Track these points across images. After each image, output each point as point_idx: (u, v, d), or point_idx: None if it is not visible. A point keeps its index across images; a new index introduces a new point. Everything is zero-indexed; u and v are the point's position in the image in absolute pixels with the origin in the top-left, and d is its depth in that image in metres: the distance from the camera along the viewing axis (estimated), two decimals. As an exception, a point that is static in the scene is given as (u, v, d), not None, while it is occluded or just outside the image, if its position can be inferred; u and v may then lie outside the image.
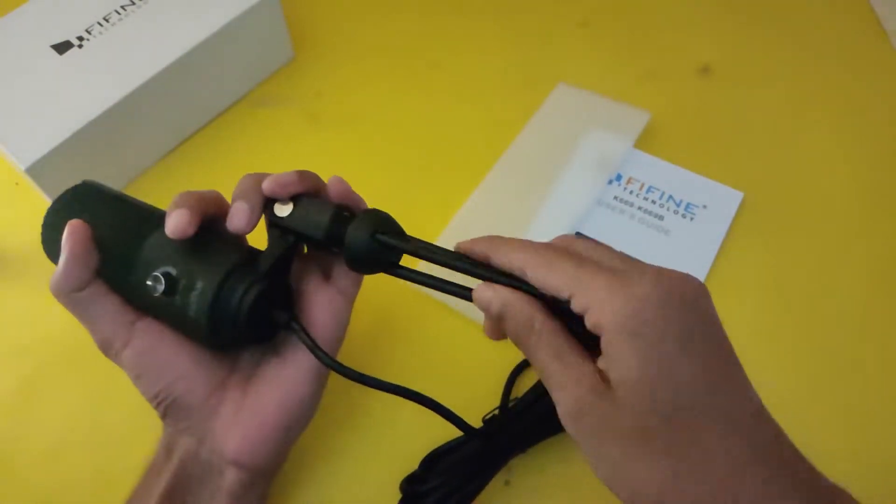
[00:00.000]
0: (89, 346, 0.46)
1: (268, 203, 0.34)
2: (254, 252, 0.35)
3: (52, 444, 0.43)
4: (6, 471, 0.42)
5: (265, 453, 0.34)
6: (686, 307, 0.26)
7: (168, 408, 0.34)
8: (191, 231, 0.32)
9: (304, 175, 0.34)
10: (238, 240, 0.35)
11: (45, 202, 0.51)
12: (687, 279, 0.27)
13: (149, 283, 0.32)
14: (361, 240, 0.32)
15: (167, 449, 0.34)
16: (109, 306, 0.34)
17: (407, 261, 0.33)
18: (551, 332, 0.27)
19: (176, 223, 0.32)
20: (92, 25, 0.53)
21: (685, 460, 0.24)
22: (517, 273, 0.29)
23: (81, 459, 0.42)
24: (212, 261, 0.33)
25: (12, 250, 0.51)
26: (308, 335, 0.33)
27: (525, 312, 0.28)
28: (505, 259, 0.29)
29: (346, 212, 0.34)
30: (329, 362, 0.33)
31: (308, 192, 0.34)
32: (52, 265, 0.50)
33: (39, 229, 0.51)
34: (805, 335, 0.45)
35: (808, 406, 0.42)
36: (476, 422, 0.38)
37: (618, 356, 0.25)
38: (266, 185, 0.33)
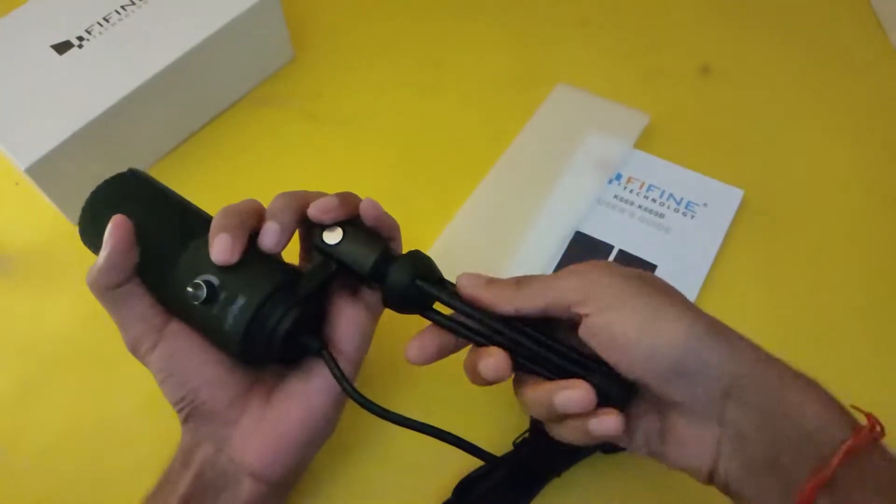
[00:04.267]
0: (90, 346, 0.46)
1: (311, 225, 0.35)
2: (293, 271, 0.35)
3: (52, 444, 0.43)
4: (6, 471, 0.42)
5: (283, 466, 0.34)
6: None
7: (191, 413, 0.34)
8: (235, 258, 0.32)
9: (344, 198, 0.35)
10: (278, 256, 0.36)
11: (46, 202, 0.51)
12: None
13: (189, 289, 0.32)
14: (402, 284, 0.33)
15: (185, 456, 0.34)
16: (143, 306, 0.34)
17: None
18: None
19: (221, 251, 0.32)
20: (92, 25, 0.53)
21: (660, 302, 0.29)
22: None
23: (81, 459, 0.42)
24: (255, 278, 0.33)
25: (13, 250, 0.51)
26: (337, 366, 0.33)
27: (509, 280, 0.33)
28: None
29: (390, 251, 0.35)
30: (355, 396, 0.33)
31: (350, 216, 0.35)
32: (53, 266, 0.50)
33: (40, 229, 0.52)
34: (805, 332, 0.45)
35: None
36: (507, 445, 0.38)
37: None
38: (311, 212, 0.34)
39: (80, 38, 0.53)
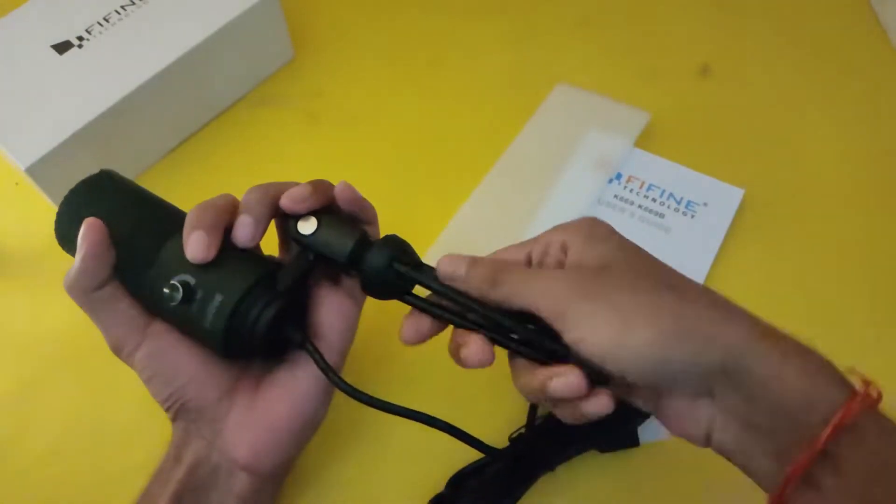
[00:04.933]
0: (89, 346, 0.46)
1: (285, 216, 0.34)
2: (272, 264, 0.34)
3: (52, 444, 0.43)
4: (6, 471, 0.42)
5: (275, 458, 0.34)
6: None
7: (179, 410, 0.34)
8: (211, 256, 0.32)
9: (318, 187, 0.34)
10: (256, 249, 0.35)
11: (45, 202, 0.51)
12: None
13: (166, 290, 0.32)
14: (379, 269, 0.33)
15: (177, 452, 0.34)
16: (123, 308, 0.34)
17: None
18: (512, 267, 0.32)
19: (196, 250, 0.32)
20: (92, 25, 0.53)
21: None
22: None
23: (81, 459, 0.42)
24: (231, 274, 0.33)
25: (12, 250, 0.51)
26: (321, 357, 0.33)
27: (488, 263, 0.32)
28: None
29: (367, 237, 0.34)
30: (342, 385, 0.33)
31: (325, 204, 0.34)
32: (53, 266, 0.50)
33: (40, 229, 0.52)
34: (805, 332, 0.45)
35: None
36: (503, 440, 0.38)
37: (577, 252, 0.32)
38: (284, 203, 0.33)
39: (80, 38, 0.53)
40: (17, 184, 0.54)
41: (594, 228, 0.33)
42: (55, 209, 0.50)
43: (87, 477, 0.42)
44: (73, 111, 0.48)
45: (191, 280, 0.32)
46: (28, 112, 0.49)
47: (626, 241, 0.33)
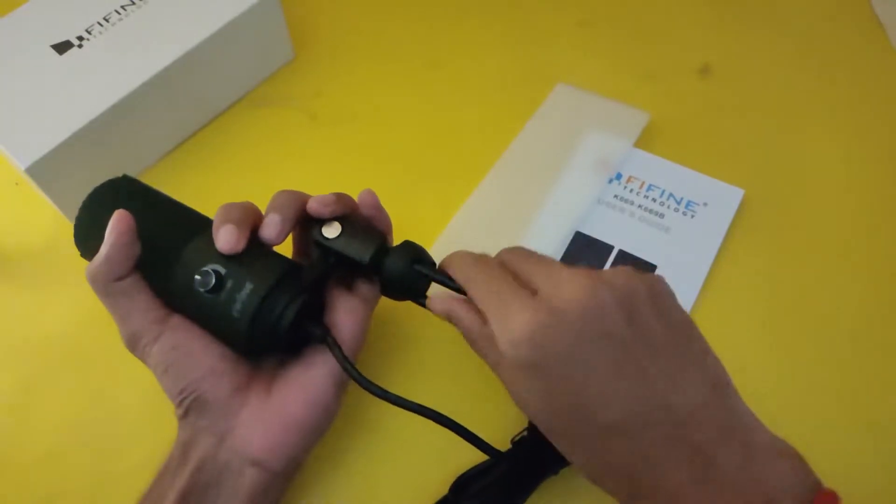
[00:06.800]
0: (90, 346, 0.46)
1: (310, 220, 0.36)
2: (294, 263, 0.36)
3: (52, 444, 0.43)
4: (6, 471, 0.42)
5: (287, 454, 0.34)
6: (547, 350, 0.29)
7: (191, 405, 0.34)
8: (241, 246, 0.34)
9: (342, 196, 0.36)
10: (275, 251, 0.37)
11: (46, 202, 0.51)
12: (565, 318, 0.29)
13: (198, 277, 0.33)
14: (400, 270, 0.35)
15: (184, 449, 0.34)
16: (144, 300, 0.35)
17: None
18: (481, 333, 0.32)
19: (227, 239, 0.34)
20: (92, 25, 0.53)
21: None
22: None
23: (81, 459, 0.42)
24: (260, 267, 0.34)
25: (12, 250, 0.51)
26: (341, 350, 0.34)
27: (463, 320, 0.33)
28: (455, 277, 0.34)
29: (387, 242, 0.37)
30: (358, 378, 0.34)
31: (346, 212, 0.36)
32: (53, 266, 0.50)
33: (40, 229, 0.52)
34: (806, 332, 0.45)
35: (808, 404, 0.42)
36: (505, 443, 0.38)
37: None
38: (311, 206, 0.36)
39: (80, 38, 0.53)
40: (17, 184, 0.54)
41: (638, 297, 0.29)
42: (55, 209, 0.51)
43: (87, 477, 0.42)
44: (73, 111, 0.48)
45: (221, 270, 0.34)
46: (28, 112, 0.49)
47: (643, 327, 0.29)
